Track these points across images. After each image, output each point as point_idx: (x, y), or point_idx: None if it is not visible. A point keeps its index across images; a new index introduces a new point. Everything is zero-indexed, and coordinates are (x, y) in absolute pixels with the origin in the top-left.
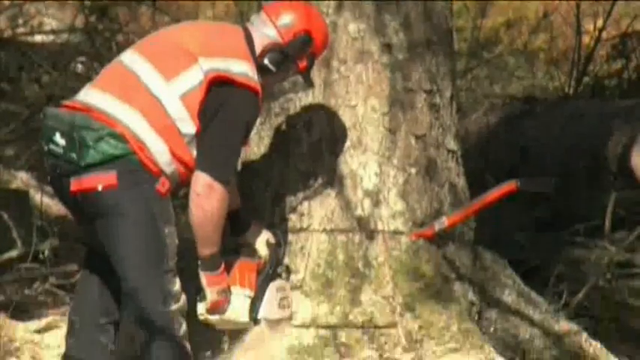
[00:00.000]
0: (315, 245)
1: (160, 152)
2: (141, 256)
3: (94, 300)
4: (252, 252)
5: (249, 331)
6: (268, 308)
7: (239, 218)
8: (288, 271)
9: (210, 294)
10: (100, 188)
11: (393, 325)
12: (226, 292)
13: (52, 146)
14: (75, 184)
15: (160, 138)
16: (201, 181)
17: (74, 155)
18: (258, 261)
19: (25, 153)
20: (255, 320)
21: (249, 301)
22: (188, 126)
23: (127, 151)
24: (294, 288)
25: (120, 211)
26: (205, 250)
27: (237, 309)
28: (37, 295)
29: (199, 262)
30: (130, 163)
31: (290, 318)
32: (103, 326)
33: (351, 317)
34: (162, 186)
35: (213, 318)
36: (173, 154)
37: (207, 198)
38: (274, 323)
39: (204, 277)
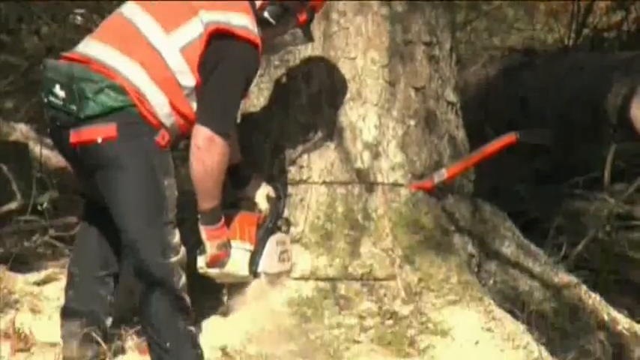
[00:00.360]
0: (314, 198)
1: (159, 104)
2: (140, 208)
3: (93, 252)
4: (253, 206)
5: (248, 284)
6: (268, 262)
7: (239, 172)
8: (288, 224)
9: (210, 248)
10: (99, 140)
11: (393, 277)
12: (226, 245)
13: (51, 98)
14: (74, 136)
15: (160, 90)
16: (201, 134)
17: (74, 107)
18: (258, 214)
19: (25, 105)
20: (255, 274)
21: (249, 254)
22: (188, 79)
23: (127, 104)
24: (293, 241)
25: (119, 164)
26: (205, 203)
27: (237, 262)
28: (37, 248)
29: (199, 216)
30: (130, 115)
31: (290, 271)
32: (102, 278)
33: (350, 270)
34: (162, 138)
35: (213, 271)
36: (173, 107)
37: (207, 152)
38: (274, 277)
39: (204, 231)
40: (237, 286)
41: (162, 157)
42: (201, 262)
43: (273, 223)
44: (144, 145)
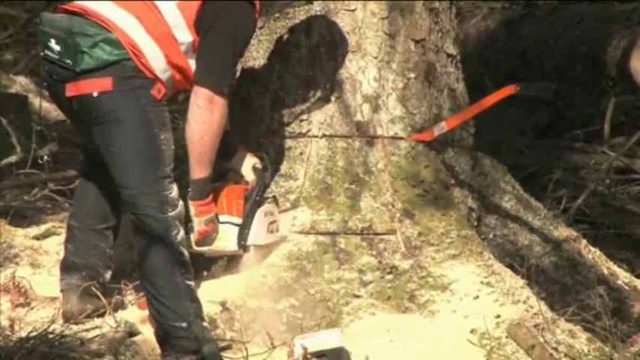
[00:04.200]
0: (314, 151)
1: (155, 58)
2: (137, 162)
3: (92, 206)
4: (239, 178)
5: (240, 257)
6: (257, 234)
7: (227, 143)
8: (276, 200)
9: (198, 224)
10: (95, 94)
11: (392, 232)
12: (214, 220)
13: (47, 52)
14: (70, 90)
15: (156, 44)
16: (202, 94)
17: (69, 61)
18: (245, 186)
19: (24, 57)
20: (244, 248)
21: (237, 229)
22: (184, 34)
23: (122, 57)
24: (292, 193)
25: (115, 117)
26: (199, 171)
27: (226, 237)
28: (36, 201)
29: (189, 189)
30: (126, 68)
31: (279, 242)
32: (101, 231)
33: (350, 224)
34: (158, 92)
35: (203, 249)
36: (169, 62)
37: (208, 111)
38: (264, 249)
39: (192, 206)
40: (231, 258)
41: (157, 110)
42: (190, 240)
43: (261, 194)
44: (139, 99)
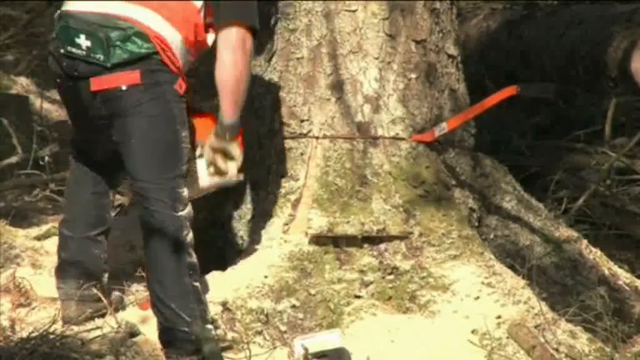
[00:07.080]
0: (320, 152)
1: (176, 44)
2: (157, 155)
3: (83, 213)
4: None
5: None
6: None
7: None
8: None
9: (239, 157)
10: (124, 87)
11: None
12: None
13: (71, 48)
14: (96, 84)
15: (176, 29)
16: (233, 34)
17: (99, 56)
18: None
19: (25, 58)
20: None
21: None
22: None
23: (151, 51)
24: (294, 194)
25: (141, 110)
26: (236, 113)
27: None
28: (37, 202)
29: (227, 132)
30: (152, 62)
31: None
32: (94, 238)
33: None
34: (180, 87)
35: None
36: (187, 42)
37: (240, 50)
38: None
39: (237, 145)
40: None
41: (180, 106)
42: (233, 168)
43: None
44: (165, 93)
